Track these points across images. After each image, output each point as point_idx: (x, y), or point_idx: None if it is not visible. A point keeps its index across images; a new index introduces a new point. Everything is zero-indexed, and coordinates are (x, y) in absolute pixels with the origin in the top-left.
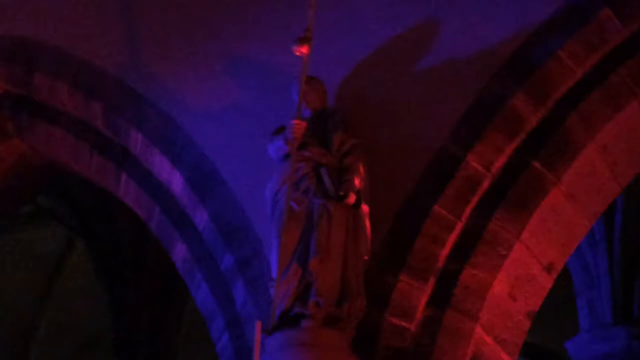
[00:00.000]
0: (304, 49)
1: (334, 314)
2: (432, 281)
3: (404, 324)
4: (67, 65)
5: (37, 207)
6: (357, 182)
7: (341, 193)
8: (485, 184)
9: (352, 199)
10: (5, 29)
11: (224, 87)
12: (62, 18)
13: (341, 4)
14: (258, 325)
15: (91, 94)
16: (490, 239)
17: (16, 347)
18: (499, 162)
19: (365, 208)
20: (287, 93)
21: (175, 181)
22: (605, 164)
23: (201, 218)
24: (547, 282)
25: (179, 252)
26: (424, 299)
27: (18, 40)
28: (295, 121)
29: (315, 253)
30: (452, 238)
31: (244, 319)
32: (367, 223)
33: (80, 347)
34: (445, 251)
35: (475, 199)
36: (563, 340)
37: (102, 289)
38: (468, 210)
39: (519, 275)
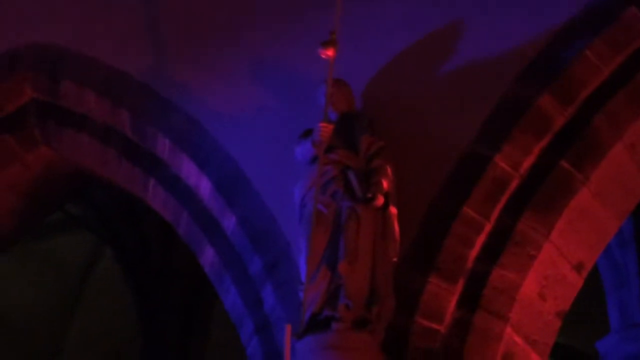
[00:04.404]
0: (330, 52)
1: (364, 317)
2: (461, 282)
3: (434, 325)
4: (93, 72)
5: (64, 215)
6: (385, 184)
7: (369, 195)
8: (514, 184)
9: (380, 201)
10: (32, 37)
11: (250, 91)
12: (88, 25)
13: (367, 7)
14: (288, 328)
15: (118, 100)
16: (519, 240)
17: (46, 354)
18: (527, 163)
19: (393, 210)
20: (314, 96)
21: (203, 186)
22: (634, 162)
23: (229, 222)
24: (577, 282)
25: (208, 256)
26: (453, 301)
27: (45, 48)
28: (322, 124)
29: (344, 256)
30: (481, 239)
31: (274, 322)
32: (396, 225)
33: (109, 353)
34: (474, 252)
35: (503, 200)
36: (593, 341)
37: (130, 295)
38: (496, 211)
39: (548, 275)
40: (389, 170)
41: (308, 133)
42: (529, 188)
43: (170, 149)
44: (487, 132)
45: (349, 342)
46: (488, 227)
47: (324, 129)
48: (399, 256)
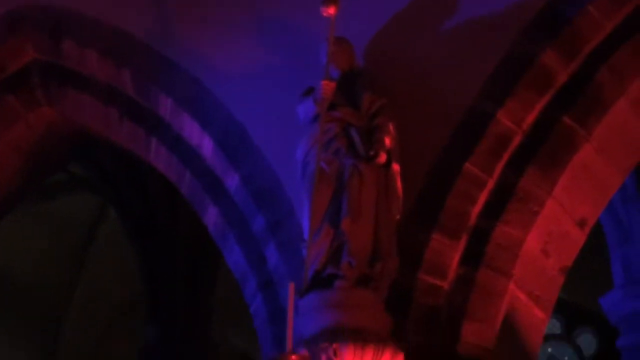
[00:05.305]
0: (331, 10)
1: (367, 274)
2: (464, 239)
3: (437, 282)
4: (96, 32)
5: (68, 176)
6: (387, 141)
7: (371, 153)
8: (516, 140)
9: (382, 158)
10: None
11: (252, 50)
12: None
13: None
14: (291, 286)
15: (120, 60)
16: (522, 196)
17: (52, 314)
18: (530, 119)
19: (396, 167)
20: (316, 54)
21: (206, 145)
22: (637, 117)
23: (232, 181)
24: (580, 238)
25: (211, 215)
26: (456, 257)
27: (46, 8)
28: (324, 82)
29: (346, 213)
30: (484, 195)
31: (277, 280)
32: (399, 182)
33: (116, 313)
34: (477, 209)
35: (506, 156)
36: (597, 297)
37: (136, 255)
38: (499, 168)
39: (551, 231)
40: (391, 127)
41: (310, 91)
42: (532, 144)
43: (172, 108)
44: (490, 89)
45: (352, 300)
46: (491, 184)
47: (326, 87)
48: (402, 213)
